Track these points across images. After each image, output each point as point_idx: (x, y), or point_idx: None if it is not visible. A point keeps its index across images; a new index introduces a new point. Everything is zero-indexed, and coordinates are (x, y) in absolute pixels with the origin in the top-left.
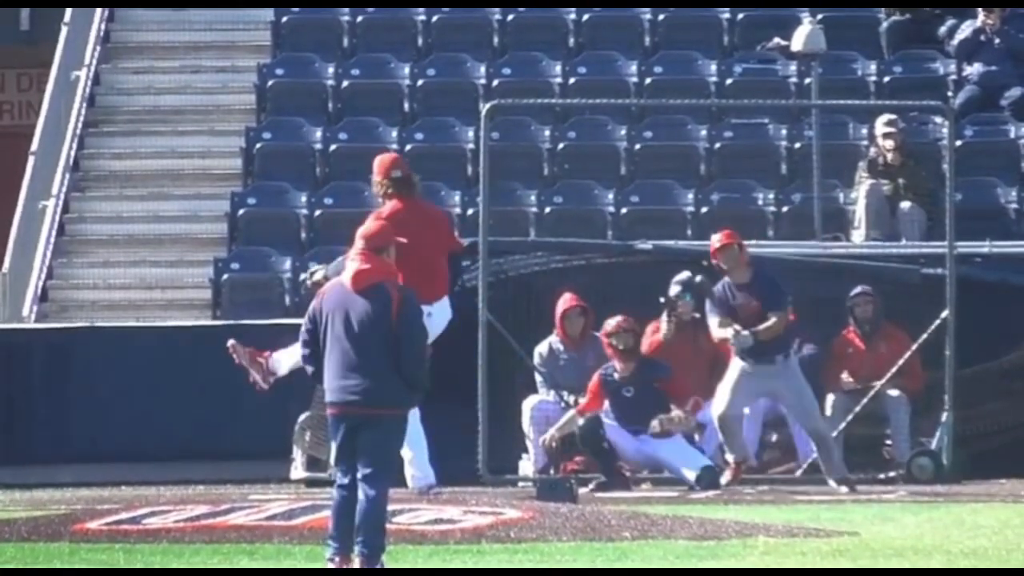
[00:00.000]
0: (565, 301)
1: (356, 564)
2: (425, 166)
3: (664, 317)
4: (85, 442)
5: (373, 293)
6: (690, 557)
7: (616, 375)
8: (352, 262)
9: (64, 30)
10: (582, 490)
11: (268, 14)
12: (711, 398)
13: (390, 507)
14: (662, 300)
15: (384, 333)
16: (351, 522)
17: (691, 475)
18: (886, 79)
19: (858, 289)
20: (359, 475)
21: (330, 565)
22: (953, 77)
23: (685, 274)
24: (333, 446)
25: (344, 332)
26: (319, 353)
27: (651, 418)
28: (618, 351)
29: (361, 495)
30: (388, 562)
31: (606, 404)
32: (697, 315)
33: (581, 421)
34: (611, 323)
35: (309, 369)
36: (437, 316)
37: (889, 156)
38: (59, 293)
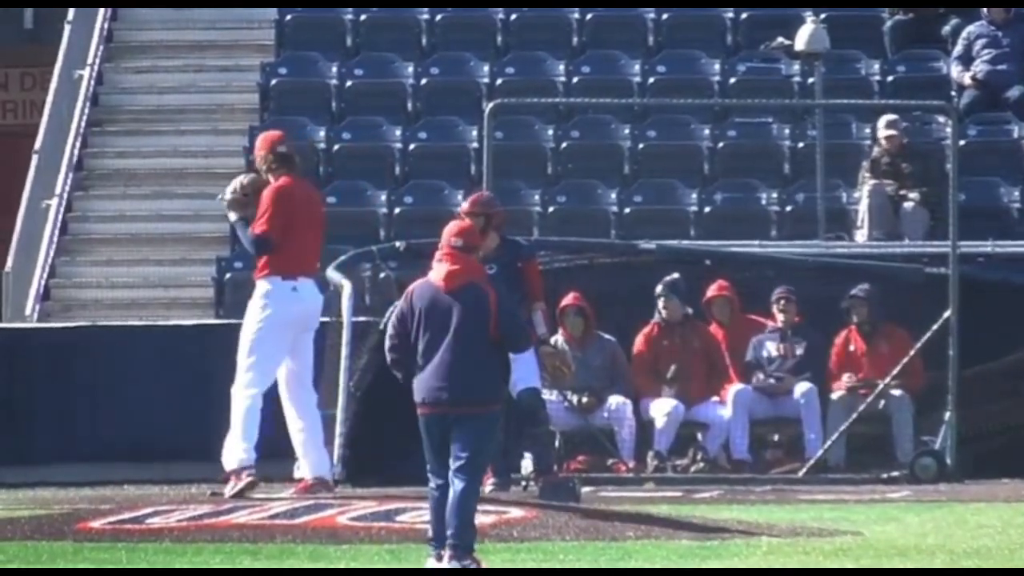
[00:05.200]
0: (564, 300)
1: (445, 560)
2: (428, 165)
3: (655, 316)
4: (88, 441)
5: (468, 292)
6: (693, 557)
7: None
8: (441, 262)
9: (67, 29)
10: (586, 489)
11: (271, 13)
12: (711, 397)
13: (395, 506)
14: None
15: (482, 332)
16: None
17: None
18: (889, 78)
19: (852, 291)
20: (452, 471)
21: (433, 564)
22: (956, 76)
23: (672, 275)
24: (424, 446)
25: (440, 332)
26: (409, 356)
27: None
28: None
29: (451, 490)
30: (391, 562)
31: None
32: (690, 311)
33: None
34: (465, 202)
35: (399, 374)
36: (306, 292)
37: (891, 156)
38: (62, 292)
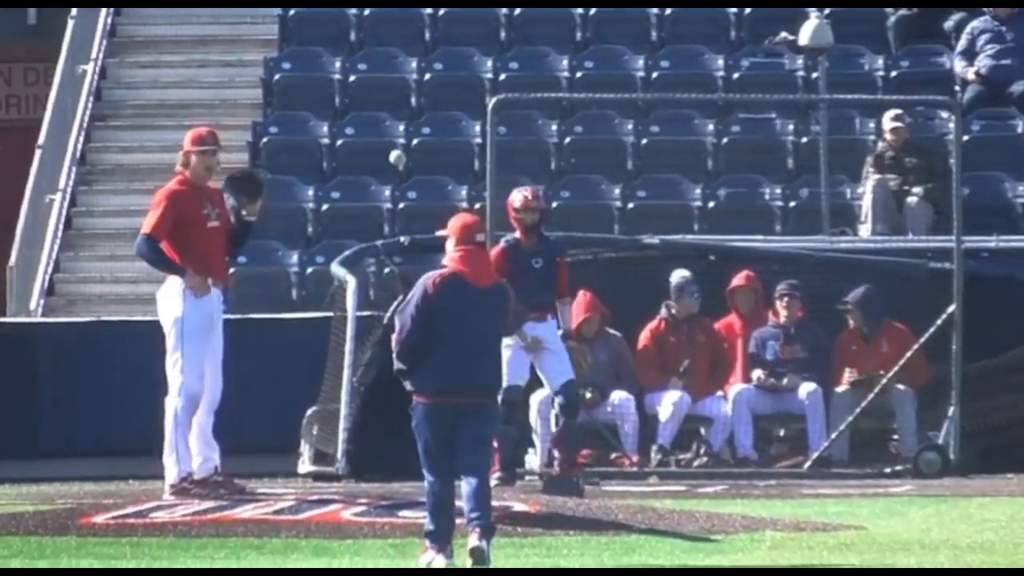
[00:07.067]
0: (583, 308)
1: (475, 539)
2: (432, 161)
3: (663, 311)
4: (92, 436)
5: (498, 289)
6: (697, 552)
7: (522, 245)
8: (469, 257)
9: (70, 24)
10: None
11: (275, 8)
12: (711, 394)
13: (398, 501)
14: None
15: (502, 325)
16: (451, 516)
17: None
18: (893, 74)
19: (845, 298)
20: (464, 462)
21: (440, 561)
22: (960, 72)
23: (684, 272)
24: (426, 437)
25: (469, 325)
26: (424, 346)
27: (550, 295)
28: (524, 224)
29: (470, 481)
30: (395, 557)
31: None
32: (696, 309)
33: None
34: (518, 198)
35: (406, 364)
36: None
37: (895, 151)
38: (66, 287)
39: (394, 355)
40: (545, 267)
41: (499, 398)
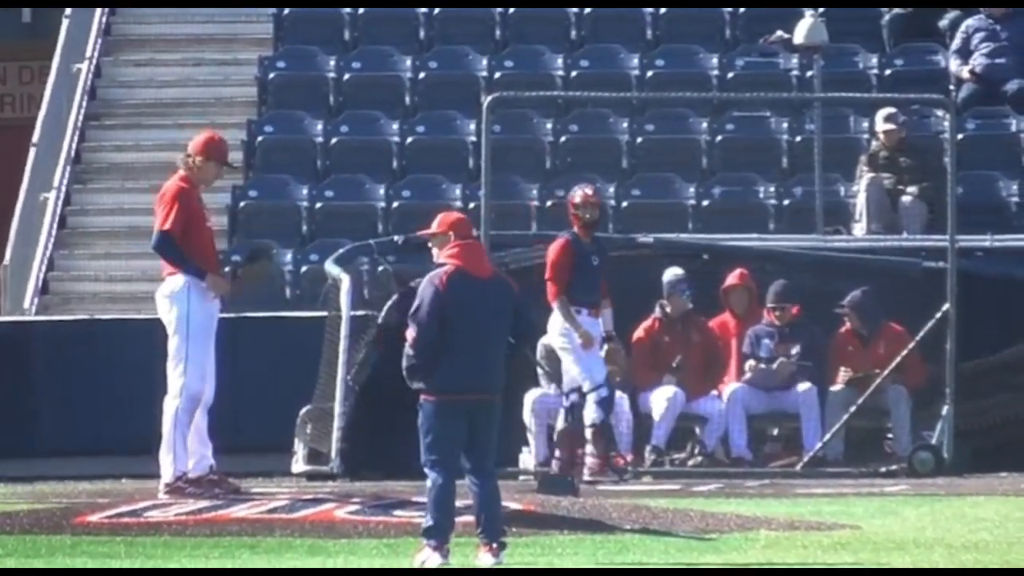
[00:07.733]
0: None
1: (488, 556)
2: (426, 159)
3: (656, 311)
4: (87, 435)
5: (499, 281)
6: (691, 551)
7: (581, 241)
8: (467, 251)
9: (65, 23)
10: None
11: (269, 7)
12: (706, 393)
13: (393, 500)
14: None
15: (509, 321)
16: (452, 514)
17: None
18: (888, 72)
19: (842, 302)
20: (473, 463)
21: (435, 560)
22: (954, 70)
23: (680, 270)
24: (435, 433)
25: (479, 321)
26: (440, 344)
27: (598, 293)
28: (583, 221)
29: (480, 484)
30: (390, 556)
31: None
32: (690, 306)
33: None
34: (578, 194)
35: (421, 362)
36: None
37: (889, 150)
38: (60, 285)
39: (409, 356)
40: (600, 265)
41: (589, 397)
